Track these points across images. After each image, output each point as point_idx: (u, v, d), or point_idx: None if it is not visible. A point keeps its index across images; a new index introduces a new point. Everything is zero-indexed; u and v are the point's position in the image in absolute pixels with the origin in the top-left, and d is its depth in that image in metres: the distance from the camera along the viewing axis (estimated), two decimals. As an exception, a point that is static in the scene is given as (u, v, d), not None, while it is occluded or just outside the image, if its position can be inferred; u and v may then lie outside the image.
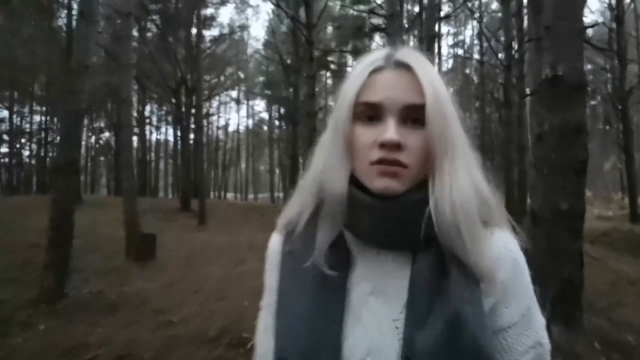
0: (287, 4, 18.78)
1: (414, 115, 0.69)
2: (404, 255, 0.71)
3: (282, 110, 34.29)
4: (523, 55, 13.74)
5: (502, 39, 14.07)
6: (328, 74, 36.04)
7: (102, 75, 27.61)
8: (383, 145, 0.68)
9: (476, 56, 26.82)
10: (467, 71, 33.43)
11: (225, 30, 31.35)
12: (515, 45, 13.32)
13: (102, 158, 38.38)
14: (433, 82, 0.70)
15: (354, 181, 0.72)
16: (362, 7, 27.22)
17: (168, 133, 41.97)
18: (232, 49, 32.40)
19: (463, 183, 0.69)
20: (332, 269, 0.71)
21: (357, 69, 0.75)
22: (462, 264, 0.67)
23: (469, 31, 35.84)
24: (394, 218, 0.69)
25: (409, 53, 0.74)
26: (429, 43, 8.81)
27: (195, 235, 11.65)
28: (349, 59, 32.84)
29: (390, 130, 0.68)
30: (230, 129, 46.18)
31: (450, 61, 37.50)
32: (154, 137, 39.25)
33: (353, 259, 0.74)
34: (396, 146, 0.67)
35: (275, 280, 0.79)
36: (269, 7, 26.25)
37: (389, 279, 0.72)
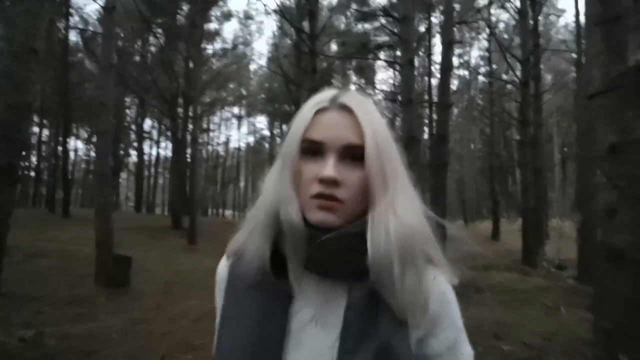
0: (292, 16, 18.16)
1: (352, 153, 0.75)
2: (341, 284, 0.75)
3: (284, 127, 33.58)
4: (539, 71, 12.99)
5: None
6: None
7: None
8: (322, 181, 0.73)
9: (482, 76, 26.09)
10: (472, 92, 32.72)
11: (228, 45, 31.04)
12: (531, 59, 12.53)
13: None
14: (372, 124, 0.76)
15: None
16: (367, 26, 26.95)
17: (168, 148, 41.21)
18: (234, 65, 31.92)
19: (399, 219, 0.73)
20: (275, 296, 0.76)
21: (306, 108, 0.80)
22: (393, 297, 0.71)
23: (475, 52, 35.21)
24: (330, 249, 0.73)
25: (352, 96, 0.80)
26: (445, 50, 7.98)
27: (182, 257, 10.65)
28: (352, 76, 32.37)
29: (328, 167, 0.73)
30: (232, 145, 45.38)
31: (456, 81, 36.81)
32: (153, 151, 38.35)
33: (295, 286, 0.76)
34: (334, 182, 0.73)
35: (221, 305, 0.83)
36: (274, 23, 25.77)
37: (328, 307, 0.76)
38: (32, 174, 32.41)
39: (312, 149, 0.76)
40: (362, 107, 0.77)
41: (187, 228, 15.03)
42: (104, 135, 6.45)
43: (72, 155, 32.13)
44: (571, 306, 5.46)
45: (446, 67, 7.91)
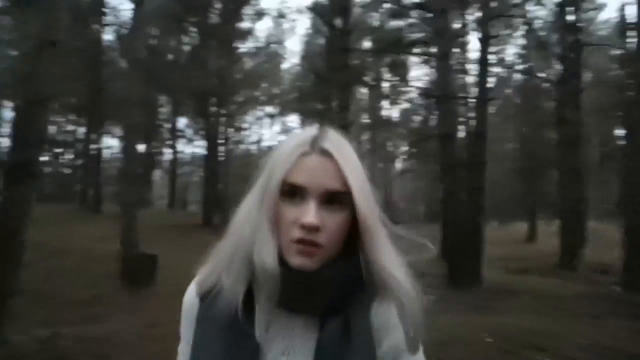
0: (324, 13, 17.93)
1: (332, 198, 0.77)
2: (312, 319, 0.80)
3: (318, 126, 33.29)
4: (579, 68, 12.29)
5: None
6: (364, 90, 35.05)
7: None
8: (303, 227, 0.75)
9: (519, 73, 25.00)
10: (507, 90, 31.56)
11: (261, 44, 30.98)
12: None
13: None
14: (354, 171, 0.79)
15: None
16: (400, 22, 26.34)
17: (203, 147, 41.61)
18: (266, 64, 31.88)
19: (385, 257, 0.80)
20: (245, 338, 0.78)
21: (287, 149, 0.81)
22: (366, 329, 0.78)
23: (510, 49, 33.93)
24: (305, 289, 0.77)
25: (332, 140, 0.81)
26: (483, 44, 7.56)
27: (211, 255, 10.58)
28: (384, 74, 31.82)
29: (310, 213, 0.75)
30: (266, 144, 45.45)
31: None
32: (188, 150, 38.73)
33: (264, 324, 0.81)
34: (315, 229, 0.75)
35: (190, 332, 0.86)
36: (307, 21, 25.62)
37: (299, 341, 0.80)
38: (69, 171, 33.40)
39: (292, 192, 0.78)
40: (342, 153, 0.80)
41: (218, 225, 15.02)
42: (131, 131, 6.36)
43: (107, 152, 33.08)
44: (618, 316, 5.00)
45: (483, 62, 7.49)
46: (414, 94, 30.65)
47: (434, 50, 23.23)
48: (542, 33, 20.28)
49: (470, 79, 21.79)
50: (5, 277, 3.88)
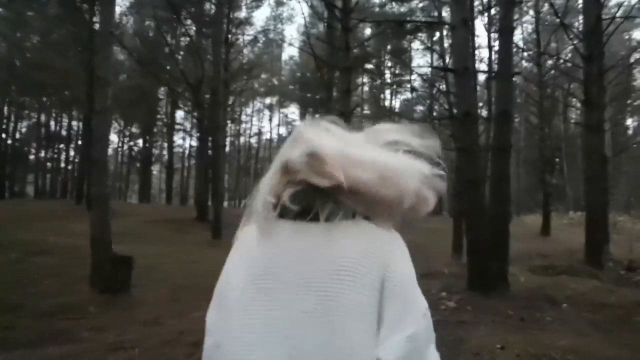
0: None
1: None
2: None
3: (316, 117, 32.39)
4: (602, 47, 11.32)
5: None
6: (365, 79, 34.03)
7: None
8: None
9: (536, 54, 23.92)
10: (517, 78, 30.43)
11: (259, 34, 30.03)
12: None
13: (138, 164, 37.03)
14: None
15: None
16: (402, 9, 25.31)
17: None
18: (265, 54, 31.01)
19: None
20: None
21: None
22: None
23: (518, 34, 32.80)
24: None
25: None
26: (506, 11, 6.60)
27: (203, 253, 9.67)
28: (387, 62, 30.80)
29: None
30: (265, 137, 44.47)
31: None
32: (187, 144, 37.82)
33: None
34: None
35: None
36: (306, 7, 24.62)
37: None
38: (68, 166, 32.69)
39: None
40: None
41: (212, 221, 14.14)
42: (100, 116, 5.44)
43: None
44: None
45: (507, 30, 6.52)
46: (416, 83, 29.72)
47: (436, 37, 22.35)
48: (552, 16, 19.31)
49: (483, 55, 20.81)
50: None
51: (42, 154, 35.45)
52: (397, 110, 34.04)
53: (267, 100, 40.98)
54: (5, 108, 30.90)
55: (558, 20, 12.78)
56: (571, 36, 12.12)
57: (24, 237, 8.89)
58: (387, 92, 35.65)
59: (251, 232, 0.86)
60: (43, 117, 33.86)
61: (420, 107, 33.03)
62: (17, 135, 34.83)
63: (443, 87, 15.25)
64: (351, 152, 0.79)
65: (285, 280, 0.77)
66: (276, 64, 36.67)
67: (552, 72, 18.24)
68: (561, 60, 16.94)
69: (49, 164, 35.77)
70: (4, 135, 31.60)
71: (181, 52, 25.25)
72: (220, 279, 0.87)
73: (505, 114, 5.89)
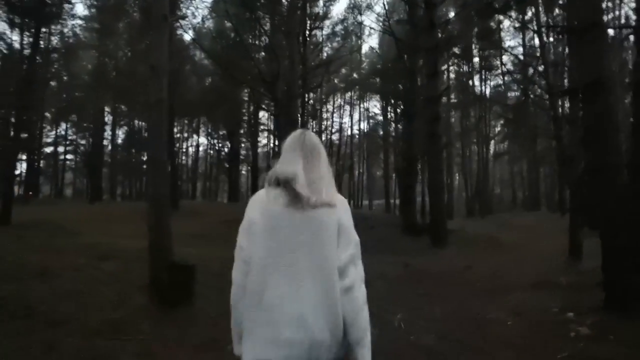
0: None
1: None
2: None
3: (398, 110, 30.98)
4: None
5: None
6: (450, 66, 31.93)
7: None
8: None
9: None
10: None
11: (337, 29, 29.27)
12: None
13: (226, 165, 38.08)
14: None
15: None
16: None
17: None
18: (343, 47, 30.13)
19: None
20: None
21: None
22: None
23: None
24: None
25: None
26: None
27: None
28: (475, 45, 28.53)
29: None
30: (347, 133, 43.62)
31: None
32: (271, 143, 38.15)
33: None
34: None
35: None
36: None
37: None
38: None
39: None
40: None
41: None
42: (157, 107, 4.90)
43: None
44: None
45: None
46: (508, 66, 27.20)
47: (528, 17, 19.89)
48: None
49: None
50: None
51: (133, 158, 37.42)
52: (487, 96, 31.65)
53: (348, 95, 40.17)
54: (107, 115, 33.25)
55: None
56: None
57: (95, 240, 8.71)
58: (476, 78, 33.27)
59: (261, 192, 1.51)
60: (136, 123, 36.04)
61: (512, 94, 30.42)
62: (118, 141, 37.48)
63: (541, 67, 13.44)
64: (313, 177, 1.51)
65: (287, 224, 1.41)
66: (355, 57, 35.63)
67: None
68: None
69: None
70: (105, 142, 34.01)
71: (262, 53, 25.23)
72: (244, 219, 1.47)
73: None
